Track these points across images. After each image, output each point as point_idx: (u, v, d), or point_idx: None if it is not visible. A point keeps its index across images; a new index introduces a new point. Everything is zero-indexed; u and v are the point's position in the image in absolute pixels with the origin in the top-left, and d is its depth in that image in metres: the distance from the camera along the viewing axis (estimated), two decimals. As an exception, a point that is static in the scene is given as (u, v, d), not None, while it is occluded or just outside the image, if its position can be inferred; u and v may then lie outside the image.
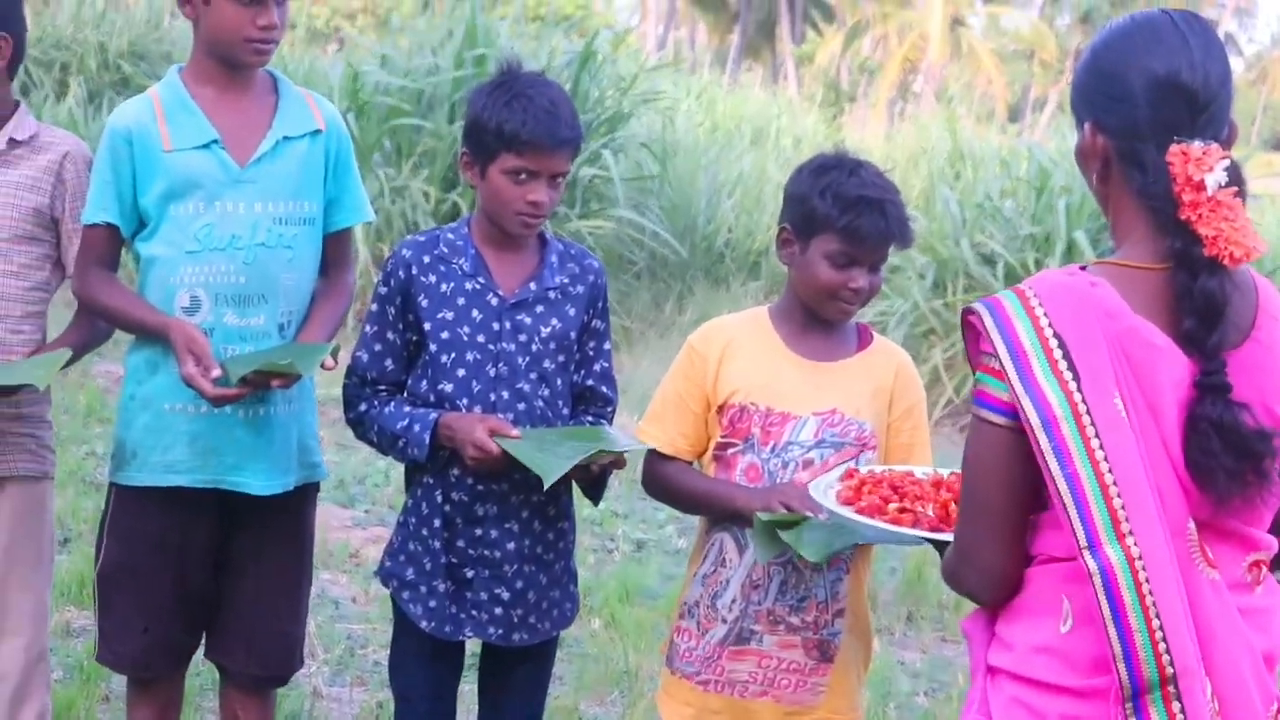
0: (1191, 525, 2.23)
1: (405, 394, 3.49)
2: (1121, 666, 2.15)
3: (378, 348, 3.48)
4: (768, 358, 3.39)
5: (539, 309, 3.46)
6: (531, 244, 3.52)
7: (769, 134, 19.49)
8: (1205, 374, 2.22)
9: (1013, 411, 2.23)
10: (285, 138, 3.54)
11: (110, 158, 3.49)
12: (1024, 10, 51.20)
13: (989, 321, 2.26)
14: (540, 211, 3.39)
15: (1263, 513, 2.30)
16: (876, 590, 6.40)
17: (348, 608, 5.88)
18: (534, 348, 3.44)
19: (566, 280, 3.50)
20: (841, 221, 3.26)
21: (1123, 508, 2.15)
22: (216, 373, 3.33)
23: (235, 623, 3.66)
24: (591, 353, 3.56)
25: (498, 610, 3.45)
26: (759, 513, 3.13)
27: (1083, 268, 2.32)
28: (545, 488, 3.22)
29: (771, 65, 45.90)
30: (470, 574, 3.43)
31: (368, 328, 3.50)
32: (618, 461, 3.36)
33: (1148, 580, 2.14)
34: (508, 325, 3.43)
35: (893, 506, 2.91)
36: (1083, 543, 2.16)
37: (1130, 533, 2.15)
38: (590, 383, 3.55)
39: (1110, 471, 2.16)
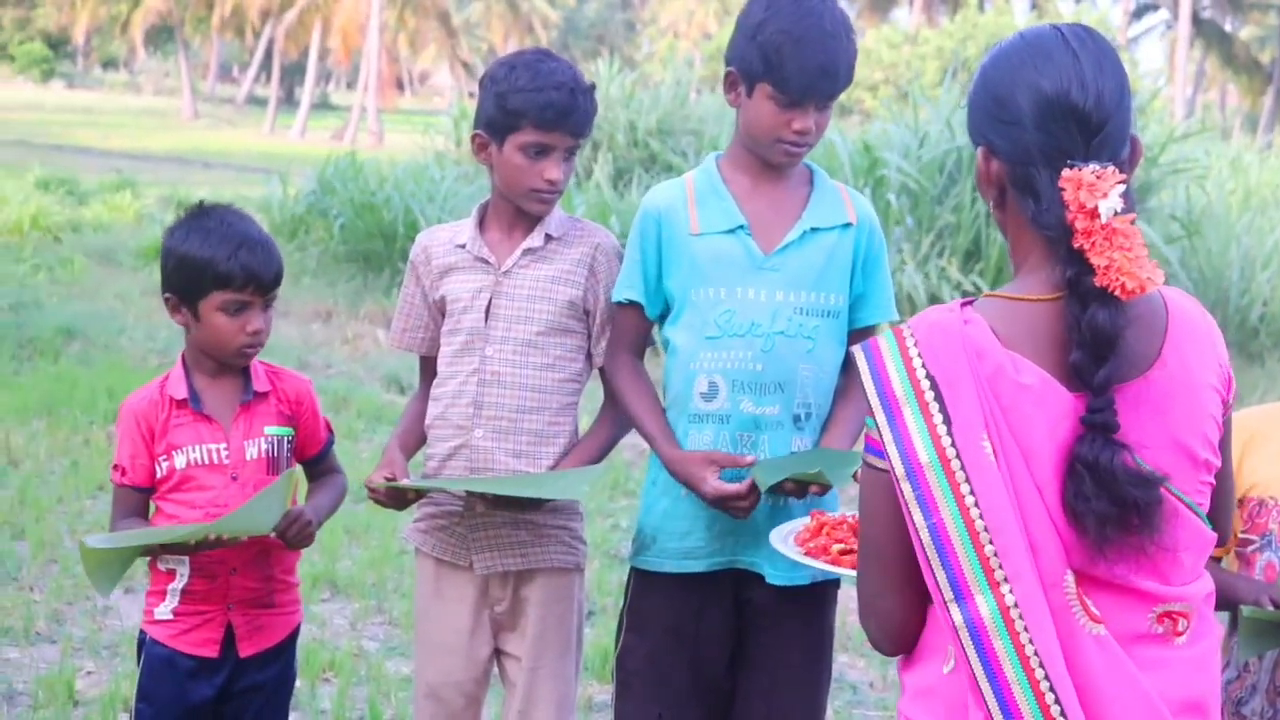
0: (1069, 577, 2.11)
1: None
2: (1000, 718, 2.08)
3: None
4: None
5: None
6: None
7: (1310, 203, 18.48)
8: (1091, 410, 2.10)
9: None
10: (814, 229, 3.50)
11: (640, 238, 3.55)
12: None
13: (862, 363, 2.21)
14: None
15: (1162, 564, 2.15)
16: None
17: (865, 693, 5.77)
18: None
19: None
20: None
21: (995, 555, 2.07)
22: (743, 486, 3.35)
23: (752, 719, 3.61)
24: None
25: None
26: (1244, 606, 2.92)
27: (969, 302, 2.22)
28: None
29: (1309, 128, 43.74)
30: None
31: None
32: None
33: (1026, 629, 2.06)
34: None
35: (836, 548, 2.90)
36: (948, 595, 2.10)
37: (1005, 580, 2.07)
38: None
39: (981, 518, 2.07)
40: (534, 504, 3.57)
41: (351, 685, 5.38)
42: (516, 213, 3.65)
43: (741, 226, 3.48)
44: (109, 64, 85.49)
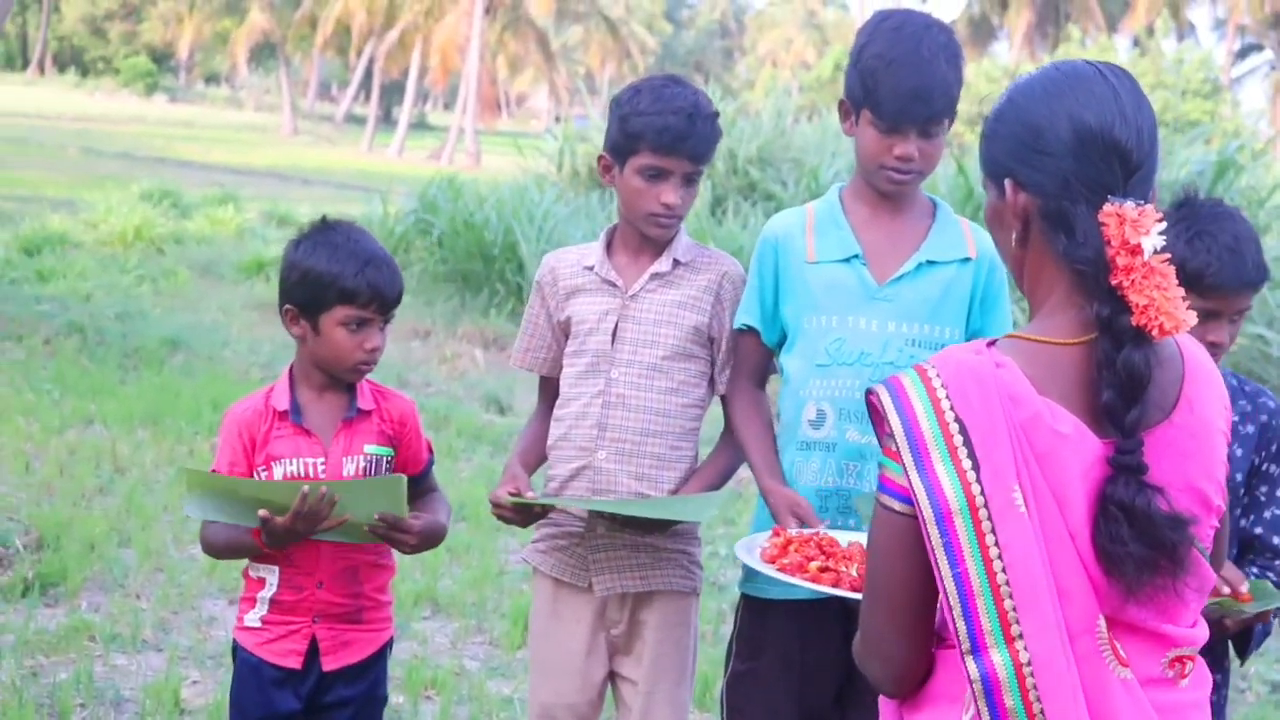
0: (1101, 623, 2.09)
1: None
2: None
3: None
4: None
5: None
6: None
7: None
8: (1120, 452, 2.07)
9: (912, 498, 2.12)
10: (930, 261, 3.49)
11: (759, 265, 3.57)
12: None
13: (888, 403, 2.14)
14: (1214, 352, 3.20)
15: (1178, 608, 2.13)
16: None
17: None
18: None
19: (1237, 419, 3.30)
20: None
21: (1014, 609, 2.03)
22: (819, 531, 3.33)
23: None
24: (1262, 498, 3.33)
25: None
26: None
27: (993, 342, 2.18)
28: None
29: None
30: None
31: None
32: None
33: (1035, 686, 2.02)
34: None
35: (814, 565, 2.92)
36: (966, 647, 2.06)
37: (1020, 635, 2.03)
38: (1259, 530, 3.32)
39: (1004, 570, 2.04)
40: (658, 526, 3.58)
41: (453, 704, 5.40)
42: (643, 237, 3.67)
43: (856, 255, 3.48)
44: (211, 79, 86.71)
